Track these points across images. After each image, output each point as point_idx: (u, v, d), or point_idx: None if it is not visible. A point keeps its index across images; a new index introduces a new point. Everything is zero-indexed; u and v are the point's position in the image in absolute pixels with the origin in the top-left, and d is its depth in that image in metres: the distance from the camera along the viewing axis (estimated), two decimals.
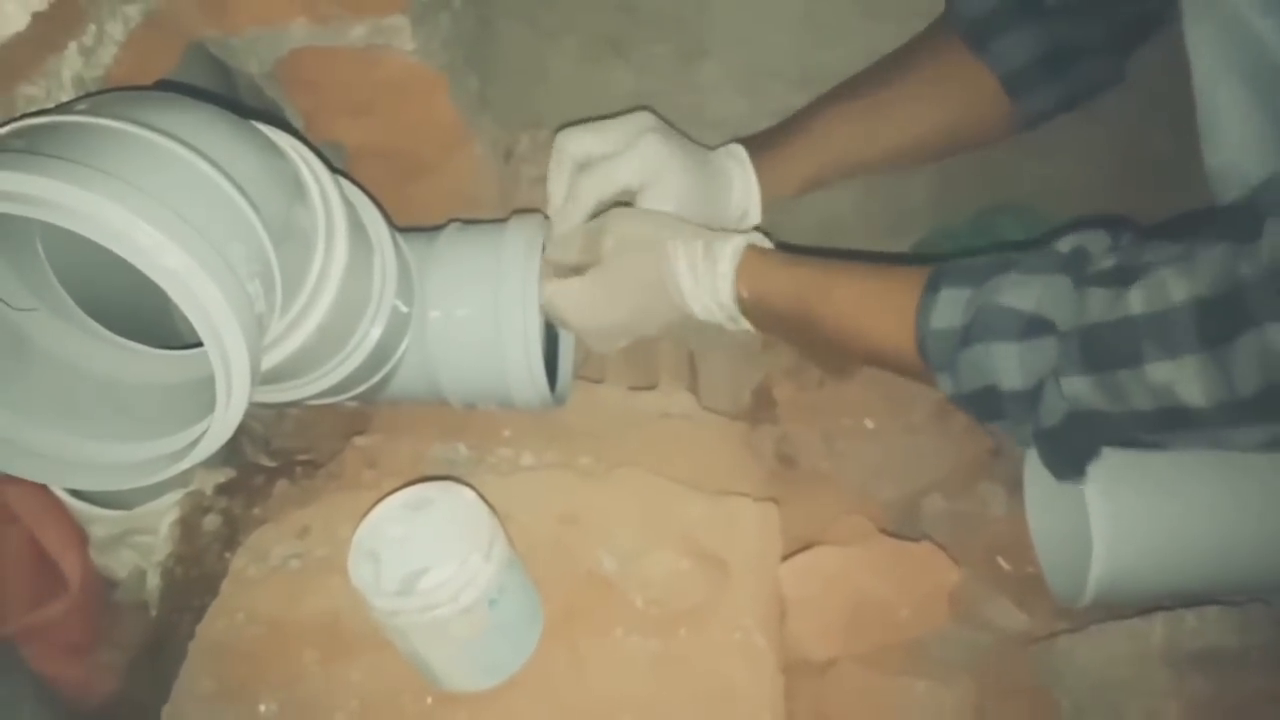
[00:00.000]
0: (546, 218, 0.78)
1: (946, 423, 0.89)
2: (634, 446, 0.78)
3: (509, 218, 0.77)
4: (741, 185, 0.79)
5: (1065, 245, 0.57)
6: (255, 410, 0.85)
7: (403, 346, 0.73)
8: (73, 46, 0.59)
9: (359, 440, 0.81)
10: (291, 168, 0.59)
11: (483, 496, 0.63)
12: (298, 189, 0.58)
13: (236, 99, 0.76)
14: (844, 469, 0.86)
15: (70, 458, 0.53)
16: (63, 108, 0.51)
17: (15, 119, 0.49)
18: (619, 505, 0.72)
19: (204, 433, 0.50)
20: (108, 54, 0.62)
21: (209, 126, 0.52)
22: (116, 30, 0.62)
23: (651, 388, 0.86)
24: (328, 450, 0.84)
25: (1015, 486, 0.78)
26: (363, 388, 0.73)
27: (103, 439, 0.54)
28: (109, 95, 0.56)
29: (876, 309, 0.63)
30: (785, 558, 0.73)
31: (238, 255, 0.49)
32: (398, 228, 0.75)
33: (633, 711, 0.63)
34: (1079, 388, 0.52)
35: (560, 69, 0.91)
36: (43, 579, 0.79)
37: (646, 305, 0.71)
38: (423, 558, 0.63)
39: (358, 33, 0.73)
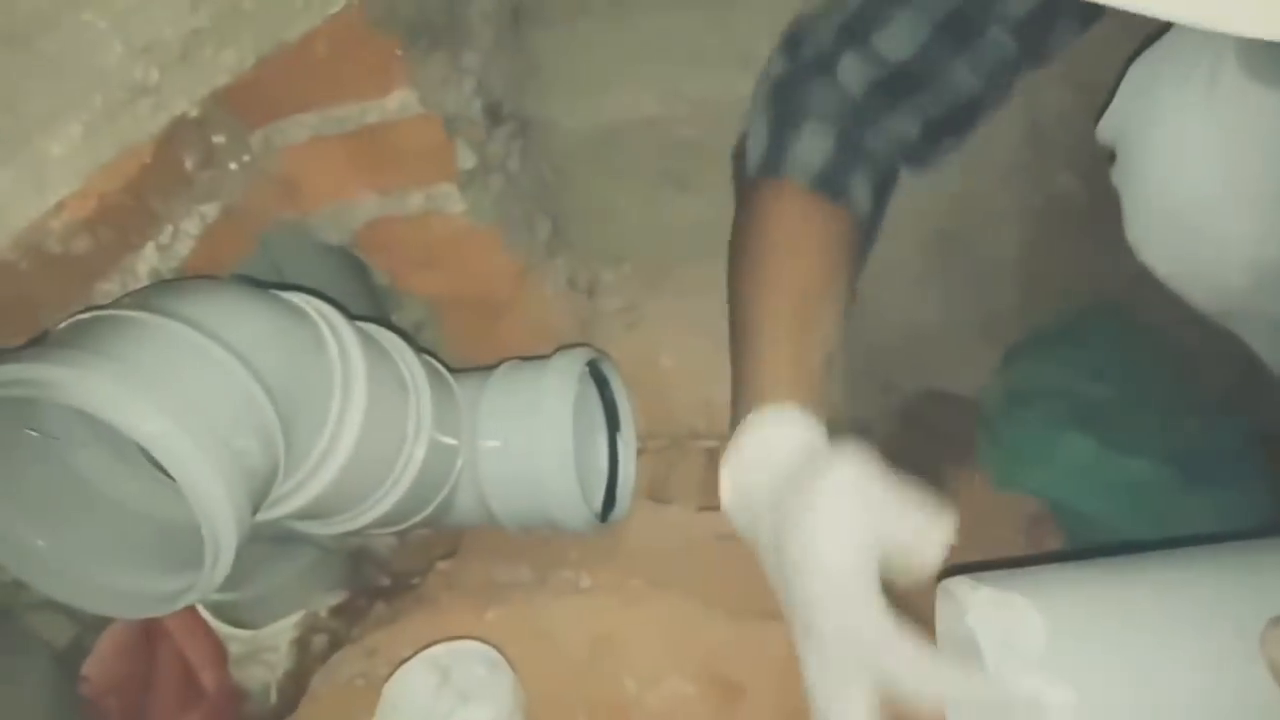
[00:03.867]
0: (591, 349, 0.83)
1: (1035, 539, 0.84)
2: (684, 569, 0.80)
3: (554, 353, 0.82)
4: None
5: None
6: (370, 536, 0.95)
7: (454, 475, 0.79)
8: (149, 246, 0.70)
9: (441, 564, 0.88)
10: (311, 329, 0.67)
11: (504, 654, 0.71)
12: (315, 346, 0.67)
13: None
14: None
15: (110, 586, 0.63)
16: (115, 303, 0.62)
17: (73, 314, 0.61)
18: (647, 629, 0.74)
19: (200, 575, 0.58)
20: (184, 247, 0.71)
21: (219, 302, 0.62)
22: (193, 226, 0.72)
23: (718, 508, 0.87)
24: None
25: None
26: (420, 516, 0.79)
27: (143, 570, 0.64)
28: (147, 289, 0.67)
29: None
30: None
31: (224, 415, 0.57)
32: (459, 369, 0.83)
33: None
34: None
35: (631, 206, 0.96)
36: (189, 690, 0.91)
37: None
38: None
39: (416, 200, 0.83)
